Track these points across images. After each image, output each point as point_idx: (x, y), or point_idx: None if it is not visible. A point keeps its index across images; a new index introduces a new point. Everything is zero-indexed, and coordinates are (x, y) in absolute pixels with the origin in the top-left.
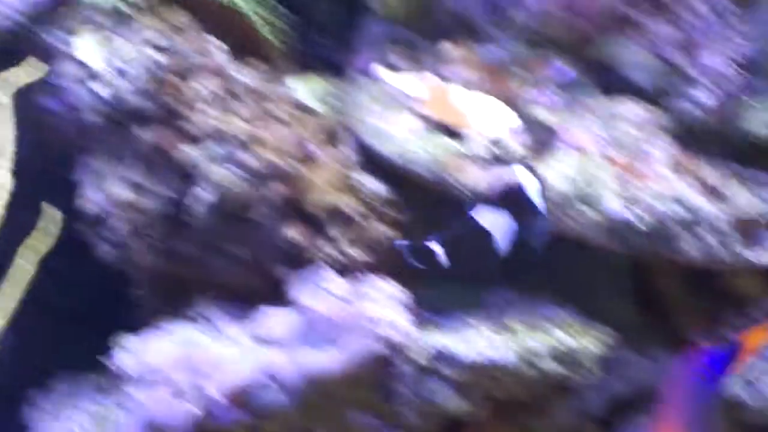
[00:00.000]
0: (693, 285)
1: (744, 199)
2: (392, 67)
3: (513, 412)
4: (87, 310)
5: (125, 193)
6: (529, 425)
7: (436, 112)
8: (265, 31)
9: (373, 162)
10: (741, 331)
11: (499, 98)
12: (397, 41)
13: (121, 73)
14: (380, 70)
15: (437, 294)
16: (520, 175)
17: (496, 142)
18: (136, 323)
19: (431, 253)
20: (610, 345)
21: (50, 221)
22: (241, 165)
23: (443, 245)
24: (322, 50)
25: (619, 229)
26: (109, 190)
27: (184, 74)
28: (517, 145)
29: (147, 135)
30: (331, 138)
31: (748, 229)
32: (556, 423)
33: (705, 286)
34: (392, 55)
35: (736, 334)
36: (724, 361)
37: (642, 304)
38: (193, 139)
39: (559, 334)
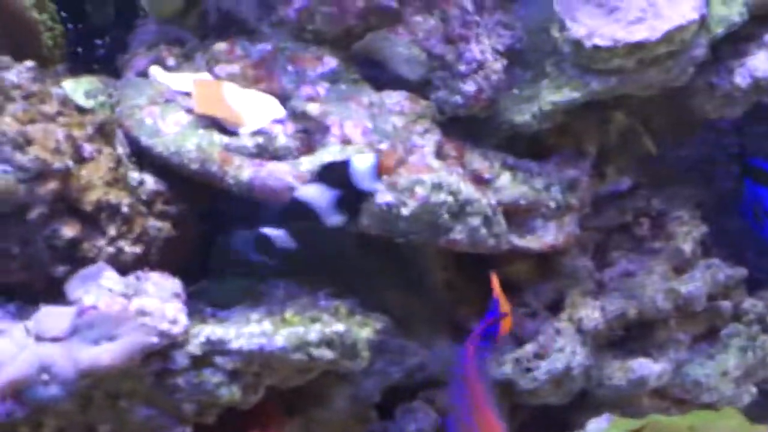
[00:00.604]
0: (470, 272)
1: (513, 187)
2: (166, 67)
3: (293, 403)
4: None
5: None
6: (311, 415)
7: (207, 109)
8: (45, 35)
9: (145, 158)
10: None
11: (269, 93)
12: (170, 41)
13: None
14: (154, 70)
15: (220, 288)
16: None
17: (264, 136)
18: None
19: (269, 241)
20: (384, 332)
21: None
22: (12, 164)
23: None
24: (101, 52)
25: (387, 217)
26: None
27: None
28: (285, 138)
29: None
30: (104, 136)
31: (517, 216)
32: (336, 411)
33: (482, 273)
34: (166, 54)
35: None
36: (490, 334)
37: (421, 293)
38: None
39: (332, 322)
